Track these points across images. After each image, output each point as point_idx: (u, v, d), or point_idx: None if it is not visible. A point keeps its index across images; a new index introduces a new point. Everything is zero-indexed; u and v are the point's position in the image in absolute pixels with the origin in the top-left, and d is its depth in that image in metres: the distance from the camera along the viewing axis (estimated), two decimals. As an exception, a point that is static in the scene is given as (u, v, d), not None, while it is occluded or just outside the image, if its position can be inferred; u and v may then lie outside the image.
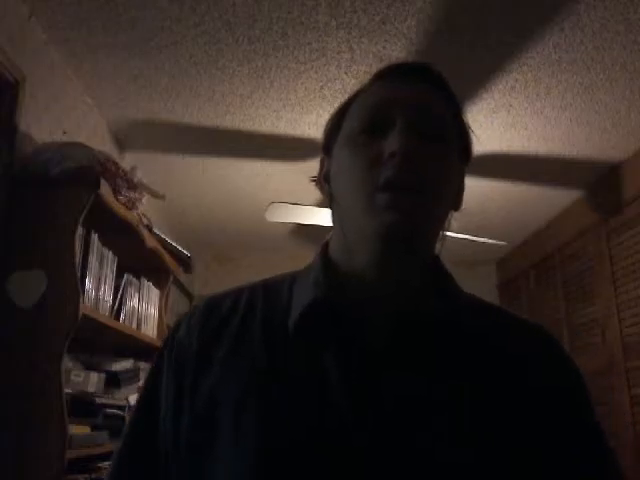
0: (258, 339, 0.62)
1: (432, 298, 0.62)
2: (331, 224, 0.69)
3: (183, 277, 2.88)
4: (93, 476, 1.62)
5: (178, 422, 0.60)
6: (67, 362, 1.59)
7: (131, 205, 1.82)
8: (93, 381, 1.79)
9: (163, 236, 2.30)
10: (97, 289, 1.74)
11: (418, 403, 0.56)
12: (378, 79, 0.67)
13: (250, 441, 0.55)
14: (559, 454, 0.58)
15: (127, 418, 1.89)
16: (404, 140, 0.58)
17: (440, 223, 0.64)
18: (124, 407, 1.90)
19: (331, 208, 0.69)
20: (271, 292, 0.67)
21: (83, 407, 1.63)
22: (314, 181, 0.72)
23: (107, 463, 1.76)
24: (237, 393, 0.58)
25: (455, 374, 0.58)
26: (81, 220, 1.56)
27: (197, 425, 0.58)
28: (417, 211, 0.58)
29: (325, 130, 0.70)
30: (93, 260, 1.71)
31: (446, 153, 0.62)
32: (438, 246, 0.67)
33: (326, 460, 0.53)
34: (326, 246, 0.69)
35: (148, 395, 0.65)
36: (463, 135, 0.67)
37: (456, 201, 0.67)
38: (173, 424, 0.60)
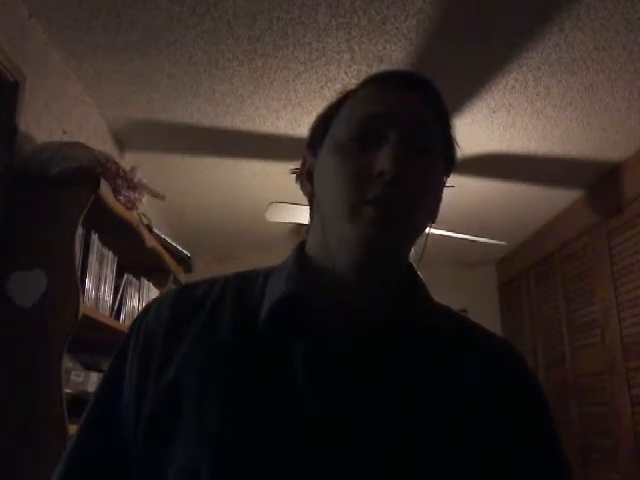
0: (226, 327, 0.62)
1: (405, 306, 0.63)
2: (308, 223, 0.71)
3: (183, 277, 2.87)
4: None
5: (140, 403, 0.60)
6: (67, 362, 1.59)
7: (131, 205, 1.82)
8: (93, 381, 1.79)
9: (163, 236, 2.30)
10: (97, 289, 1.74)
11: (377, 411, 0.56)
12: (370, 84, 0.67)
13: (210, 427, 0.55)
14: (514, 469, 0.59)
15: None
16: (395, 160, 0.59)
17: (419, 235, 0.65)
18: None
19: (310, 206, 0.70)
20: (245, 284, 0.67)
21: (83, 407, 1.62)
22: (295, 174, 0.73)
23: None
24: (201, 378, 0.58)
25: (418, 382, 0.59)
26: (81, 220, 1.56)
27: (159, 407, 0.58)
28: (400, 227, 0.60)
29: (312, 128, 0.71)
30: (93, 260, 1.71)
31: (434, 168, 0.64)
32: (413, 254, 0.69)
33: (279, 454, 0.54)
34: (303, 243, 0.70)
35: (112, 375, 0.65)
36: (449, 147, 0.68)
37: (434, 213, 0.68)
38: (135, 405, 0.60)
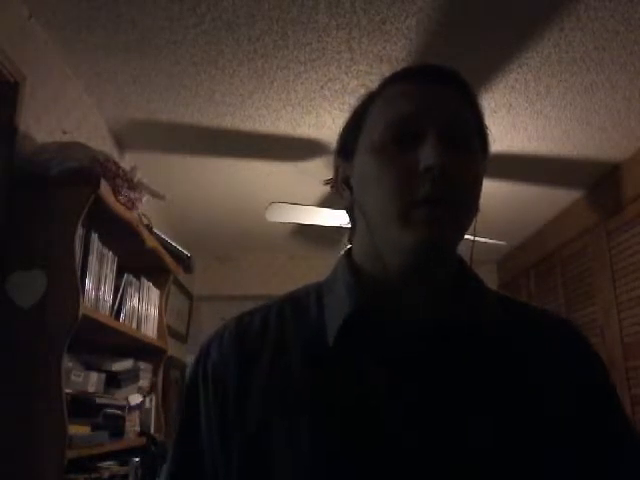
0: (296, 358, 0.61)
1: (463, 303, 0.62)
2: (350, 231, 0.70)
3: (183, 277, 2.88)
4: (93, 476, 1.62)
5: (226, 449, 0.59)
6: (67, 362, 1.58)
7: (131, 205, 1.82)
8: (93, 381, 1.79)
9: (163, 236, 2.30)
10: (97, 289, 1.74)
11: (461, 409, 0.57)
12: (396, 82, 0.66)
13: (306, 460, 0.55)
14: (589, 451, 0.59)
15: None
16: (439, 154, 0.58)
17: (468, 228, 0.65)
18: (124, 407, 1.90)
19: (351, 214, 0.68)
20: (299, 307, 0.66)
21: (83, 407, 1.63)
22: (329, 185, 0.72)
23: (107, 463, 1.76)
24: (287, 414, 0.58)
25: (487, 378, 0.59)
26: (81, 220, 1.56)
27: (250, 449, 0.58)
28: (452, 225, 0.59)
29: (342, 134, 0.69)
30: (93, 260, 1.71)
31: (475, 161, 0.63)
32: (465, 248, 0.68)
33: (381, 470, 0.54)
34: (349, 253, 0.69)
35: (187, 421, 0.64)
36: (484, 137, 0.67)
37: (479, 204, 0.67)
38: (221, 451, 0.60)
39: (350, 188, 0.67)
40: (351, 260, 0.67)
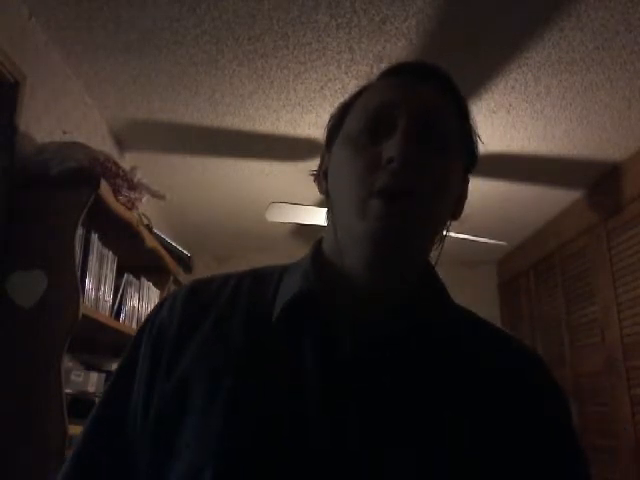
0: (238, 323, 0.61)
1: (421, 306, 0.61)
2: (325, 221, 0.69)
3: (183, 277, 2.87)
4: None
5: (149, 396, 0.59)
6: (67, 362, 1.59)
7: (131, 205, 1.82)
8: (93, 381, 1.79)
9: (163, 236, 2.30)
10: (97, 289, 1.74)
11: (386, 413, 0.55)
12: (384, 77, 0.66)
13: (214, 430, 0.54)
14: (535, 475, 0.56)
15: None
16: (403, 146, 0.56)
17: (435, 231, 0.62)
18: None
19: (327, 204, 0.68)
20: (259, 280, 0.66)
21: (83, 407, 1.63)
22: (313, 175, 0.72)
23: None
24: (211, 373, 0.58)
25: (432, 387, 0.57)
26: (81, 220, 1.56)
27: (167, 400, 0.58)
28: (409, 220, 0.57)
29: (327, 126, 0.69)
30: (93, 260, 1.71)
31: (447, 160, 0.60)
32: (435, 254, 0.66)
33: (283, 454, 0.52)
34: (320, 241, 0.69)
35: (123, 369, 0.65)
36: (469, 141, 0.65)
37: (456, 210, 0.65)
38: (144, 404, 0.60)
39: (327, 178, 0.67)
40: (319, 248, 0.67)
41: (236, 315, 0.62)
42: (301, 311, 0.60)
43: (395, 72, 0.66)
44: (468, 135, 0.65)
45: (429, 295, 0.63)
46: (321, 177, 0.69)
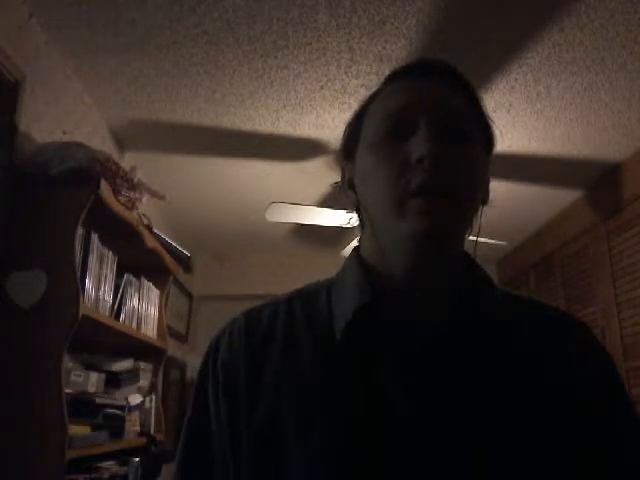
0: (306, 354, 0.61)
1: (470, 297, 0.62)
2: (358, 231, 0.70)
3: (183, 277, 2.88)
4: (93, 476, 1.62)
5: (236, 445, 0.59)
6: (67, 362, 1.59)
7: (131, 205, 1.82)
8: (93, 381, 1.79)
9: (163, 236, 2.30)
10: (97, 289, 1.74)
11: (472, 408, 0.57)
12: (393, 79, 0.66)
13: (317, 459, 0.55)
14: (594, 446, 0.59)
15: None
16: (430, 144, 0.58)
17: (471, 222, 0.64)
18: (124, 407, 1.90)
19: (358, 214, 0.69)
20: (309, 301, 0.66)
21: (83, 407, 1.63)
22: (337, 187, 0.72)
23: (107, 463, 1.76)
24: (297, 409, 0.58)
25: (497, 377, 0.59)
26: (81, 220, 1.56)
27: (259, 445, 0.58)
28: (450, 215, 0.58)
29: (344, 136, 0.69)
30: (93, 260, 1.71)
31: (472, 151, 0.62)
32: (471, 243, 0.67)
33: (393, 472, 0.54)
34: (357, 250, 0.69)
35: (197, 423, 0.64)
36: (485, 127, 0.66)
37: (485, 195, 0.66)
38: (231, 447, 0.60)
39: (354, 188, 0.67)
40: (359, 257, 0.67)
41: (299, 343, 0.62)
42: (362, 325, 0.60)
43: (403, 74, 0.66)
44: (484, 120, 0.66)
45: (477, 285, 0.64)
46: (346, 188, 0.69)
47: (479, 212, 0.65)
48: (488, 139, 0.67)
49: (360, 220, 0.69)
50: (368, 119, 0.65)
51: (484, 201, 0.66)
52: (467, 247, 0.69)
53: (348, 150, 0.68)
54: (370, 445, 0.55)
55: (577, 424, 0.58)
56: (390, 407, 0.56)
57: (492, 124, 0.67)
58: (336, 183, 0.74)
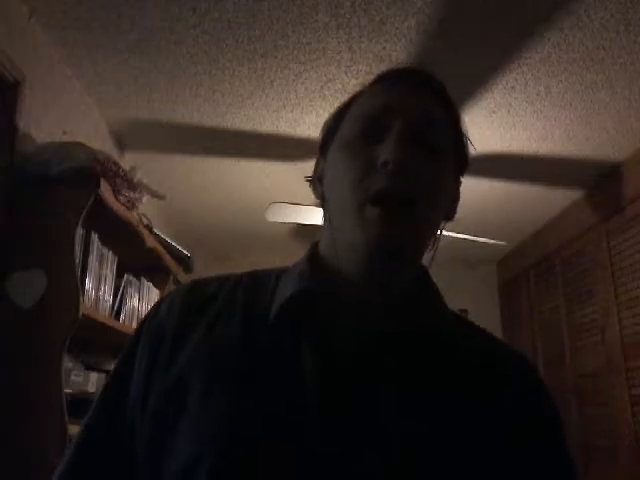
0: (236, 324, 0.62)
1: (415, 309, 0.62)
2: (322, 224, 0.70)
3: (183, 277, 2.87)
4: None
5: (146, 400, 0.60)
6: (67, 362, 1.59)
7: (131, 205, 1.82)
8: (93, 381, 1.79)
9: (163, 236, 2.30)
10: (97, 289, 1.74)
11: (381, 413, 0.55)
12: (377, 83, 0.67)
13: (211, 423, 0.54)
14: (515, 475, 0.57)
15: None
16: (398, 149, 0.57)
17: (430, 234, 0.63)
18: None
19: (323, 208, 0.69)
20: (256, 282, 0.67)
21: (83, 407, 1.62)
22: (308, 181, 0.73)
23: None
24: (207, 373, 0.58)
25: (420, 385, 0.57)
26: (81, 220, 1.56)
27: (164, 399, 0.58)
28: (406, 226, 0.58)
29: (322, 130, 0.70)
30: (93, 260, 1.71)
31: (441, 162, 0.62)
32: (428, 256, 0.66)
33: (276, 452, 0.53)
34: (316, 244, 0.69)
35: (121, 366, 0.65)
36: (460, 145, 0.66)
37: (449, 211, 0.66)
38: (141, 402, 0.60)
39: (322, 183, 0.68)
40: (315, 250, 0.68)
41: (233, 315, 0.63)
42: (298, 312, 0.60)
43: (389, 78, 0.66)
44: (459, 139, 0.66)
45: (423, 297, 0.64)
46: (316, 182, 0.70)
47: (440, 227, 0.64)
48: (462, 158, 0.67)
49: (324, 215, 0.69)
50: (347, 117, 0.66)
51: (448, 217, 0.66)
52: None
53: (324, 145, 0.69)
54: (268, 438, 0.53)
55: (497, 452, 0.57)
56: (300, 402, 0.55)
57: (468, 145, 0.67)
58: (308, 177, 0.74)
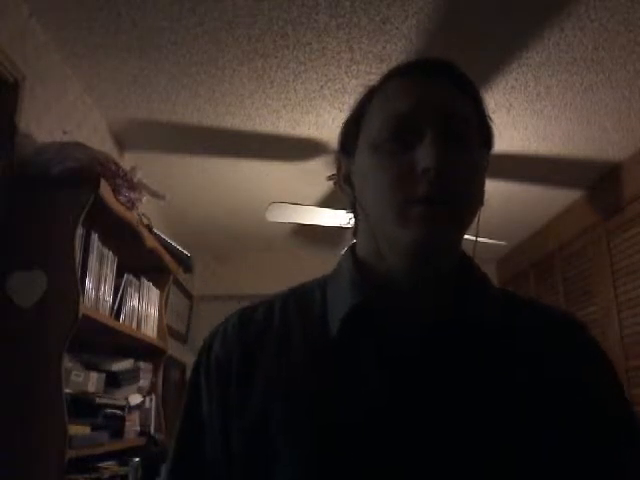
0: (299, 348, 0.62)
1: (465, 298, 0.62)
2: (354, 227, 0.70)
3: (183, 277, 2.88)
4: (93, 476, 1.62)
5: (228, 443, 0.60)
6: (67, 362, 1.58)
7: (131, 205, 1.82)
8: (93, 381, 1.79)
9: (163, 236, 2.30)
10: (97, 289, 1.74)
11: (454, 409, 0.57)
12: (395, 77, 0.65)
13: (304, 447, 0.56)
14: (588, 448, 0.58)
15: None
16: (438, 154, 0.57)
17: (469, 226, 0.64)
18: (124, 407, 1.90)
19: (354, 210, 0.68)
20: (304, 299, 0.67)
21: (83, 407, 1.63)
22: (332, 180, 0.72)
23: (107, 463, 1.76)
24: (286, 406, 0.58)
25: (491, 377, 0.59)
26: (81, 220, 1.56)
27: (250, 441, 0.58)
28: (451, 223, 0.59)
29: (342, 131, 0.69)
30: (93, 260, 1.71)
31: (474, 156, 0.62)
32: (470, 245, 0.68)
33: (383, 469, 0.54)
34: (353, 248, 0.69)
35: (189, 416, 0.64)
36: (486, 129, 0.66)
37: (482, 198, 0.66)
38: (224, 446, 0.60)
39: (352, 184, 0.67)
40: (355, 255, 0.68)
41: (293, 340, 0.63)
42: (357, 323, 0.60)
43: (409, 71, 0.65)
44: (485, 122, 0.66)
45: (472, 287, 0.65)
46: (342, 182, 0.69)
47: (477, 214, 0.65)
48: (488, 140, 0.67)
49: (355, 217, 0.69)
50: (370, 116, 0.64)
51: (481, 202, 0.66)
52: (465, 248, 0.69)
53: (347, 145, 0.68)
54: (358, 449, 0.55)
55: (573, 423, 0.58)
56: (379, 413, 0.56)
57: (492, 125, 0.68)
58: (331, 176, 0.73)
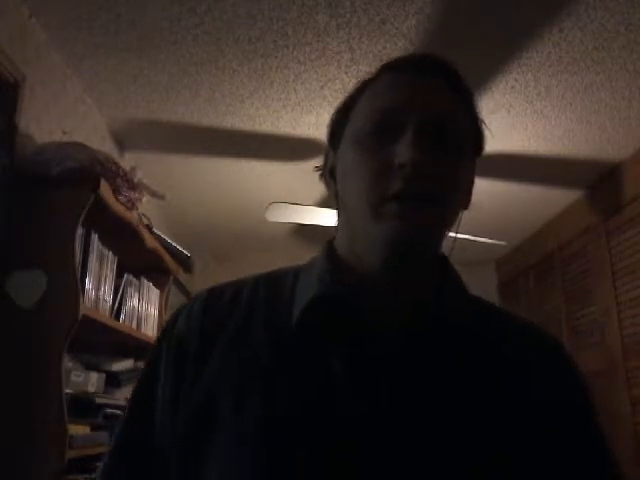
0: (260, 333, 0.61)
1: (439, 302, 0.61)
2: (336, 221, 0.69)
3: (183, 277, 2.87)
4: (93, 476, 1.62)
5: (175, 415, 0.59)
6: (67, 362, 1.58)
7: (131, 205, 1.82)
8: (93, 381, 1.79)
9: (163, 236, 2.30)
10: (97, 289, 1.74)
11: (416, 408, 0.55)
12: (385, 73, 0.64)
13: (247, 432, 0.54)
14: (559, 465, 0.57)
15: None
16: (415, 151, 0.56)
17: (449, 227, 0.62)
18: (124, 407, 1.89)
19: (337, 205, 0.67)
20: (274, 285, 0.66)
21: (83, 407, 1.63)
22: (318, 172, 0.72)
23: (107, 463, 1.75)
24: (237, 386, 0.57)
25: (456, 380, 0.57)
26: (81, 220, 1.56)
27: (194, 417, 0.57)
28: (426, 222, 0.57)
29: (331, 122, 0.68)
30: (93, 260, 1.71)
31: (458, 156, 0.60)
32: (448, 246, 0.66)
33: (313, 452, 0.53)
34: (331, 241, 0.68)
35: (144, 390, 0.64)
36: (476, 130, 0.65)
37: (466, 200, 0.65)
38: (170, 418, 0.59)
39: (335, 178, 0.67)
40: (332, 248, 0.67)
41: (256, 323, 0.62)
42: (321, 314, 0.60)
43: (395, 67, 0.64)
44: (475, 125, 0.65)
45: (446, 287, 0.64)
46: (327, 176, 0.69)
47: (459, 216, 0.64)
48: (478, 141, 0.66)
49: (338, 212, 0.68)
50: (356, 111, 0.64)
51: (465, 205, 0.65)
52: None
53: (333, 137, 0.67)
54: (306, 449, 0.53)
55: (535, 440, 0.57)
56: (332, 403, 0.55)
57: (483, 126, 0.66)
58: (317, 167, 0.72)
